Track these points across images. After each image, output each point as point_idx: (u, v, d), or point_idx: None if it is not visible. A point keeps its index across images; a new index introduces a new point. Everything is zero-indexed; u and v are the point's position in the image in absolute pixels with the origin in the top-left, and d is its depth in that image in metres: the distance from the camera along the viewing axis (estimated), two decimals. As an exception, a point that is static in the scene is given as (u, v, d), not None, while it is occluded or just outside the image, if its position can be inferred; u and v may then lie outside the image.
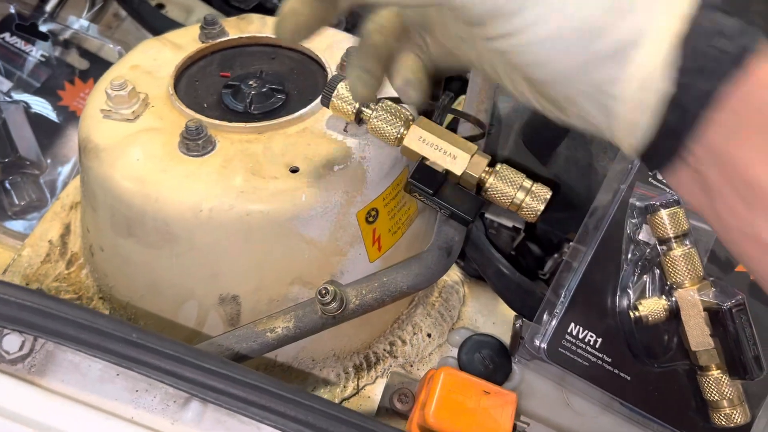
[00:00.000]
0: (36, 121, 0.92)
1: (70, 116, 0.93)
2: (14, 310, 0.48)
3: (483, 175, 0.60)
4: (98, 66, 0.96)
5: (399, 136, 0.61)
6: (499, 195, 0.60)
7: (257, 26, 0.77)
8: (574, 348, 0.67)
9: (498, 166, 0.60)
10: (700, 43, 0.37)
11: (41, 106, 0.93)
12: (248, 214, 0.60)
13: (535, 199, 0.60)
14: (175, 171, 0.61)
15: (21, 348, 0.49)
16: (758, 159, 0.37)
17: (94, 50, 0.98)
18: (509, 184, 0.60)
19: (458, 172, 0.60)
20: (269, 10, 1.05)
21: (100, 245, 0.69)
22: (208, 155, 0.62)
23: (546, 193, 0.60)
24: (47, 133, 0.92)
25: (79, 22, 0.99)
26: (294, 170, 0.62)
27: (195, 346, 0.54)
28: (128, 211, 0.62)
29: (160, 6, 1.11)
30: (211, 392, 0.48)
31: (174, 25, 1.04)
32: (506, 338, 0.75)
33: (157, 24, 1.04)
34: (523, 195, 0.60)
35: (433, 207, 0.62)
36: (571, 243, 0.79)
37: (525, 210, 0.60)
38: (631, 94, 0.39)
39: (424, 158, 0.60)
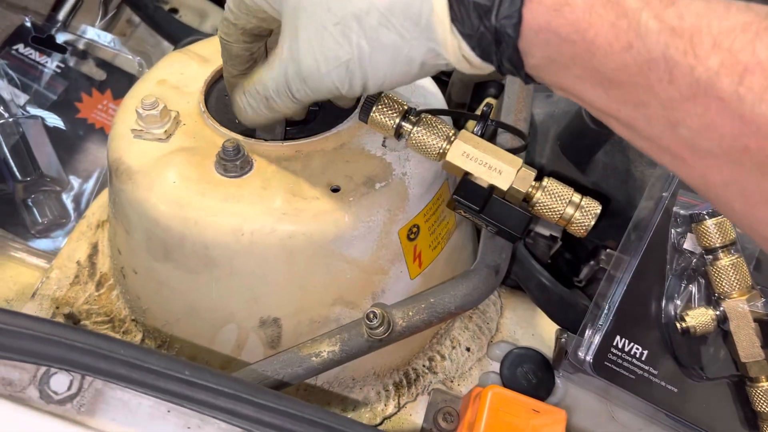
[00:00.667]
0: (54, 135, 0.89)
1: (89, 129, 0.90)
2: (62, 349, 0.46)
3: (530, 190, 0.58)
4: (115, 76, 0.94)
5: (441, 150, 0.59)
6: (547, 210, 0.58)
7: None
8: (620, 361, 0.66)
9: (545, 180, 0.59)
10: None
11: (57, 121, 0.90)
12: (290, 237, 0.58)
13: (584, 214, 0.58)
14: (214, 194, 0.58)
15: (69, 387, 0.47)
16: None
17: (110, 59, 0.96)
18: (557, 199, 0.58)
19: (504, 187, 0.58)
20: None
21: (133, 268, 0.67)
22: (246, 176, 0.60)
23: (596, 207, 0.58)
24: (66, 147, 0.89)
25: (95, 32, 0.96)
26: (335, 189, 0.60)
27: (249, 381, 0.53)
28: (166, 235, 0.60)
29: (174, 11, 1.09)
30: (266, 428, 0.47)
31: (188, 30, 1.02)
32: (546, 350, 0.73)
33: (172, 29, 1.01)
34: (572, 210, 0.58)
35: (478, 223, 0.60)
36: (608, 250, 0.78)
37: (574, 225, 0.58)
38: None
39: (467, 173, 0.58)
